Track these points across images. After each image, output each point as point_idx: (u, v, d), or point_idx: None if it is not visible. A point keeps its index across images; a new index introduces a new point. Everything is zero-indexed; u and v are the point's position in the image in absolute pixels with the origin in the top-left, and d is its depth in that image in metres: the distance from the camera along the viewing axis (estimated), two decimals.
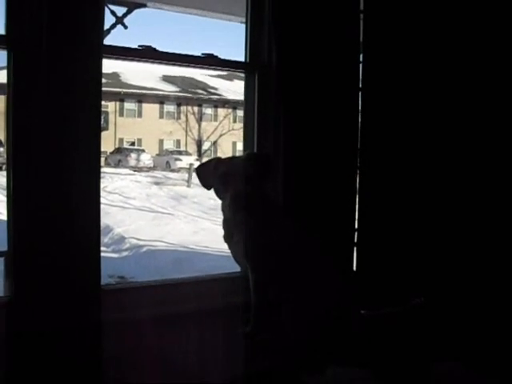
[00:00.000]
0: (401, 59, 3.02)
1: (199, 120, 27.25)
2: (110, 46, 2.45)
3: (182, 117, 26.73)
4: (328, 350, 2.27)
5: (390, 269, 3.04)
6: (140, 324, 2.41)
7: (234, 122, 27.65)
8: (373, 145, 3.04)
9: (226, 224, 2.47)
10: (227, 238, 2.48)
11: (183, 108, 26.95)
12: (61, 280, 2.22)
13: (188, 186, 15.34)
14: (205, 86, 28.16)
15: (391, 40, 3.01)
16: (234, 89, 28.53)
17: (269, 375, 2.17)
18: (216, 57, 2.78)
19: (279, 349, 2.31)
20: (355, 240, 3.03)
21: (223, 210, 2.45)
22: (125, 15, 5.30)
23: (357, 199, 3.02)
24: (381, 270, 3.03)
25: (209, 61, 2.79)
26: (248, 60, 2.87)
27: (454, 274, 3.08)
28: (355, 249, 3.03)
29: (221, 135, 27.00)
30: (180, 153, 24.24)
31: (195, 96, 27.14)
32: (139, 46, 2.57)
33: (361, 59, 2.99)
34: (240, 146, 27.86)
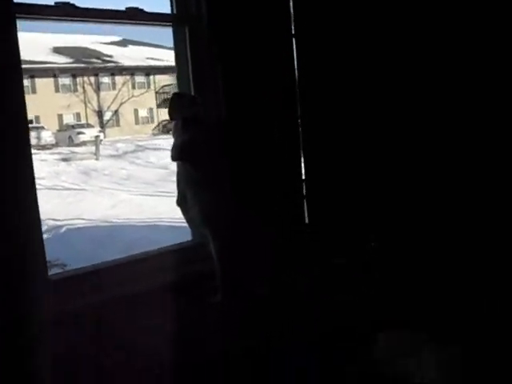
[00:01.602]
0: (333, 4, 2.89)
1: (97, 90, 26.29)
2: (22, 4, 2.15)
3: (79, 88, 25.65)
4: None
5: (341, 218, 2.96)
6: (99, 309, 2.21)
7: (133, 88, 26.96)
8: (312, 92, 2.92)
9: (180, 186, 2.28)
10: (182, 203, 2.30)
11: (79, 79, 25.85)
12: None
13: (96, 159, 14.79)
14: (99, 55, 27.11)
15: None
16: (130, 55, 27.72)
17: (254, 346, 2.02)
18: (141, 10, 2.54)
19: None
20: (304, 192, 2.92)
21: (178, 172, 2.29)
22: None
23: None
24: (332, 220, 2.95)
25: (134, 15, 2.53)
26: (176, 12, 2.64)
27: (403, 217, 3.03)
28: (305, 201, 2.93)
29: (121, 103, 26.26)
30: (82, 126, 23.28)
31: (90, 66, 26.08)
32: (56, 3, 2.29)
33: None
34: (142, 113, 27.33)
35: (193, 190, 2.22)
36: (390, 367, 2.04)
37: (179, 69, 2.73)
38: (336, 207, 2.98)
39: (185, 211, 2.31)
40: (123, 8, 2.50)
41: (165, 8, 2.68)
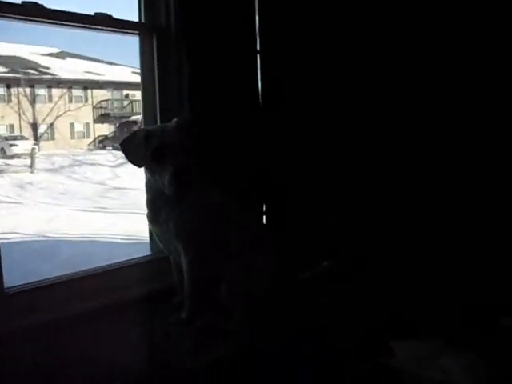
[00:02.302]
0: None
1: (32, 102, 25.59)
2: None
3: (14, 99, 24.92)
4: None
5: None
6: (53, 326, 2.09)
7: (70, 102, 26.40)
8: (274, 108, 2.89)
9: (153, 202, 2.19)
10: (153, 217, 2.21)
11: (14, 90, 25.12)
12: None
13: (32, 172, 14.32)
14: (36, 66, 26.46)
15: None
16: (68, 67, 27.17)
17: (220, 364, 1.94)
18: (110, 16, 2.47)
19: (224, 332, 2.11)
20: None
21: (150, 187, 2.19)
22: None
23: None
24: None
25: (102, 21, 2.45)
26: (144, 21, 2.58)
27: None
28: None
29: (57, 117, 25.64)
30: (15, 138, 22.56)
31: (26, 76, 25.39)
32: (23, 1, 2.19)
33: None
34: (78, 127, 26.78)
35: (168, 206, 2.13)
36: (413, 378, 2.00)
37: (144, 79, 2.65)
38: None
39: (157, 225, 2.22)
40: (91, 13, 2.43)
41: (132, 16, 2.63)
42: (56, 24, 2.31)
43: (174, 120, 2.17)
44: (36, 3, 2.19)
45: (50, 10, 2.25)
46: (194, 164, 2.06)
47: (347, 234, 3.01)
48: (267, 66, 2.82)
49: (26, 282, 2.28)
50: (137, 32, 2.59)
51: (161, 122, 2.58)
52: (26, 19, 2.21)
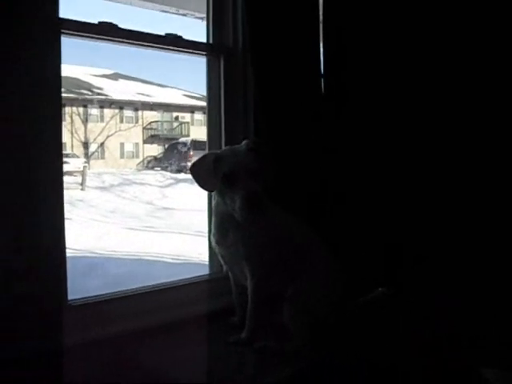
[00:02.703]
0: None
1: (85, 121, 26.22)
2: (67, 20, 2.11)
3: (67, 118, 25.58)
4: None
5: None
6: (115, 341, 2.11)
7: (121, 122, 26.93)
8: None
9: (221, 224, 2.19)
10: (221, 239, 2.21)
11: (68, 109, 25.80)
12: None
13: (82, 190, 14.62)
14: (89, 87, 27.15)
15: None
16: (120, 89, 27.78)
17: None
18: (180, 37, 2.51)
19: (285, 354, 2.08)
20: None
21: (219, 209, 2.19)
22: None
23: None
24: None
25: (172, 42, 2.50)
26: (212, 42, 2.62)
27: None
28: None
29: (108, 136, 26.18)
30: (67, 155, 23.15)
31: (80, 97, 26.07)
32: (99, 22, 2.25)
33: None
34: (128, 147, 27.27)
35: (237, 228, 2.13)
36: None
37: (210, 100, 2.69)
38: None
39: (224, 247, 2.22)
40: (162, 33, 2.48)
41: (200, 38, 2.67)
42: (129, 44, 2.36)
43: (244, 142, 2.15)
44: (111, 23, 2.25)
45: (125, 30, 2.30)
46: (264, 187, 2.04)
47: (408, 257, 2.94)
48: (331, 90, 2.82)
49: (75, 297, 2.28)
50: (205, 53, 2.63)
51: (225, 143, 2.60)
52: (102, 38, 2.27)
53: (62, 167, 2.14)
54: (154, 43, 2.45)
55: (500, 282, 2.70)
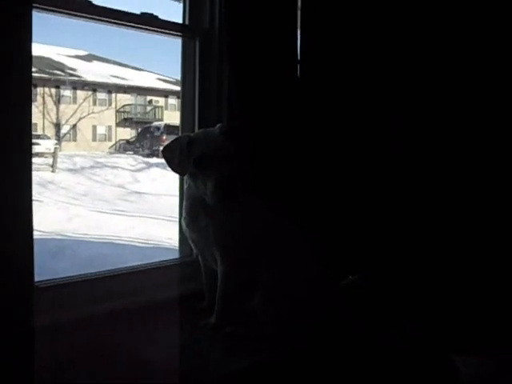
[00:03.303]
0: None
1: (57, 102, 25.82)
2: None
3: (39, 99, 25.15)
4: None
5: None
6: (80, 323, 2.07)
7: (94, 104, 26.58)
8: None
9: (192, 208, 2.16)
10: (191, 223, 2.19)
11: (40, 89, 25.36)
12: None
13: (53, 171, 14.42)
14: (63, 67, 26.73)
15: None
16: (94, 70, 27.40)
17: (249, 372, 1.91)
18: (156, 17, 2.47)
19: (257, 341, 2.07)
20: None
21: (190, 193, 2.15)
22: None
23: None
24: None
25: (148, 21, 2.45)
26: (188, 23, 2.58)
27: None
28: None
29: (80, 118, 25.83)
30: (38, 137, 22.76)
31: (53, 77, 25.65)
32: None
33: None
34: (100, 130, 26.94)
35: (208, 213, 2.11)
36: None
37: (184, 83, 2.65)
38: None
39: (195, 231, 2.19)
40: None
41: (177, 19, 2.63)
42: (103, 21, 2.31)
43: (218, 126, 2.13)
44: None
45: (99, 7, 2.25)
46: (237, 172, 2.02)
47: (380, 245, 2.95)
48: (307, 76, 2.80)
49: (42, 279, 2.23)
50: (180, 34, 2.59)
51: (199, 128, 2.56)
52: (75, 14, 2.22)
53: (30, 147, 2.08)
54: (129, 22, 2.40)
55: (468, 267, 2.73)
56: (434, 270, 2.80)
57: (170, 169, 2.11)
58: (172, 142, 2.14)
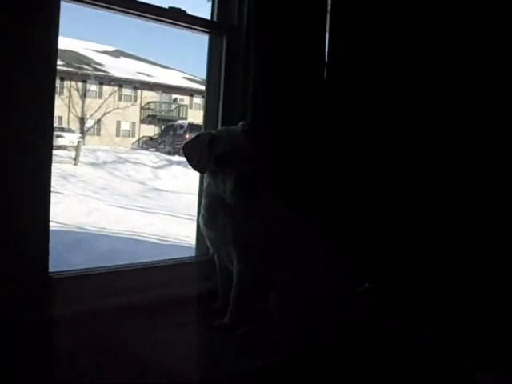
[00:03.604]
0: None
1: (83, 96, 26.02)
2: None
3: (65, 92, 25.37)
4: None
5: None
6: (94, 317, 2.06)
7: (119, 100, 26.74)
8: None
9: (211, 207, 2.14)
10: (209, 222, 2.16)
11: (66, 83, 25.58)
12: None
13: (75, 165, 14.52)
14: (90, 62, 26.94)
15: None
16: (121, 66, 27.58)
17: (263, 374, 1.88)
18: (184, 12, 2.45)
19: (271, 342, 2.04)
20: None
21: (210, 191, 2.13)
22: None
23: None
24: None
25: (176, 16, 2.44)
26: (216, 19, 2.56)
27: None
28: None
29: (105, 113, 25.99)
30: (62, 129, 22.96)
31: (80, 71, 25.86)
32: None
33: None
34: (124, 126, 27.11)
35: (227, 212, 2.08)
36: None
37: (210, 80, 2.63)
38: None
39: (212, 230, 2.17)
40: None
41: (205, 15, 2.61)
42: (130, 14, 2.30)
43: (240, 124, 2.11)
44: None
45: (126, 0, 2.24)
46: (258, 172, 1.99)
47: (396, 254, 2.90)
48: (333, 78, 2.77)
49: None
50: (207, 30, 2.57)
51: (222, 125, 2.54)
52: (103, 6, 2.21)
53: (51, 139, 2.07)
54: (157, 16, 2.39)
55: (491, 282, 2.67)
56: (456, 278, 2.75)
57: (190, 167, 2.08)
58: (193, 138, 2.11)
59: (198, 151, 2.02)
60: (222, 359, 1.94)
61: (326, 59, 2.78)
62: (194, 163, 2.05)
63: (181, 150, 2.15)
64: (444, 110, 2.83)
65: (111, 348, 1.97)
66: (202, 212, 2.20)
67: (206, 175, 2.14)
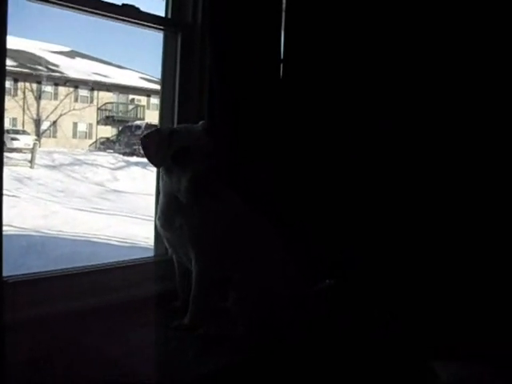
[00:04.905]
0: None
1: (38, 98, 25.54)
2: None
3: (20, 93, 24.86)
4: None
5: None
6: (52, 320, 2.01)
7: (76, 101, 26.30)
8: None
9: (167, 206, 2.11)
10: (166, 222, 2.14)
11: (21, 84, 25.07)
12: None
13: (31, 167, 14.26)
14: (45, 63, 26.47)
15: None
16: (76, 67, 27.16)
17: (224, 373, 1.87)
18: (137, 9, 2.42)
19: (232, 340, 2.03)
20: None
21: (166, 190, 2.10)
22: None
23: None
24: None
25: (129, 13, 2.40)
26: (170, 16, 2.53)
27: None
28: None
29: (61, 115, 25.54)
30: (17, 132, 22.52)
31: (34, 72, 25.37)
32: None
33: None
34: (81, 127, 26.68)
35: (183, 211, 2.06)
36: None
37: (165, 79, 2.60)
38: None
39: (169, 230, 2.14)
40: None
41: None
42: (83, 11, 2.26)
43: (201, 122, 2.10)
44: None
45: None
46: (215, 170, 1.98)
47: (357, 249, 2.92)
48: (289, 76, 2.77)
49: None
50: (162, 28, 2.54)
51: (178, 124, 2.51)
52: (54, 3, 2.16)
53: (2, 142, 2.02)
54: (110, 13, 2.35)
55: (446, 272, 2.71)
56: (414, 271, 2.78)
57: (149, 167, 2.06)
58: (153, 131, 2.10)
59: (157, 143, 2.00)
60: (182, 359, 1.92)
61: (282, 56, 2.77)
62: (152, 157, 2.03)
63: (139, 141, 2.12)
64: (401, 106, 2.85)
65: (68, 351, 1.93)
66: (158, 213, 2.18)
67: (161, 174, 2.12)
